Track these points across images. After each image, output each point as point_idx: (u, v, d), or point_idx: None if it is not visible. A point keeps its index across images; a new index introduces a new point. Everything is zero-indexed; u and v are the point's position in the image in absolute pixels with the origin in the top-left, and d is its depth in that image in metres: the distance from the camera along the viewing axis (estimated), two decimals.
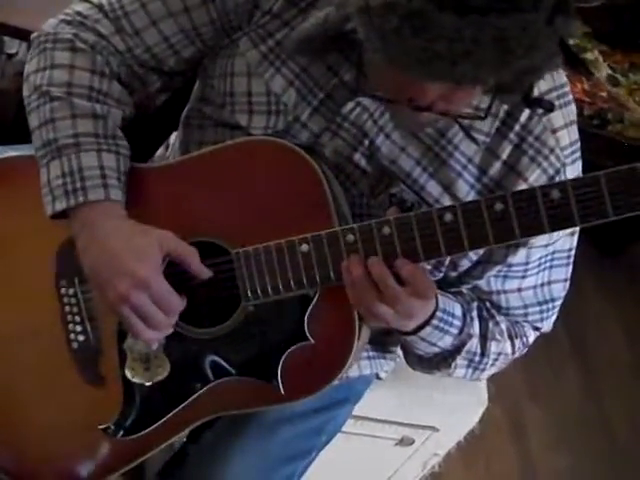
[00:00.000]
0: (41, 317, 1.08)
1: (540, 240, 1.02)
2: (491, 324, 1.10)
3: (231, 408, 1.07)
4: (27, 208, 1.07)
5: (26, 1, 1.65)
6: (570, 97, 1.03)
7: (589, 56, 2.61)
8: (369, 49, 0.85)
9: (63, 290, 1.07)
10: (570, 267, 1.12)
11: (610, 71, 2.71)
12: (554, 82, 1.00)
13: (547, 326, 1.16)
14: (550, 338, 1.18)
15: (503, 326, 1.11)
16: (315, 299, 0.99)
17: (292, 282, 0.97)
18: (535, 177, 1.00)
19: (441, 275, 1.08)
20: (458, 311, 1.06)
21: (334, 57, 1.01)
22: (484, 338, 1.09)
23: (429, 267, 1.04)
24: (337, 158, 1.03)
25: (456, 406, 1.54)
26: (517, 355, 1.15)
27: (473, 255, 1.04)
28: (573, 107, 1.03)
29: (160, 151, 1.38)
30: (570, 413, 2.31)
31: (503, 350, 1.11)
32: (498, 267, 1.07)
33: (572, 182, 0.88)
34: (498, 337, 1.10)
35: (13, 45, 1.95)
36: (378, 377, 1.32)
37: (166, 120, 1.28)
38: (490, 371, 1.14)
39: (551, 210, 0.88)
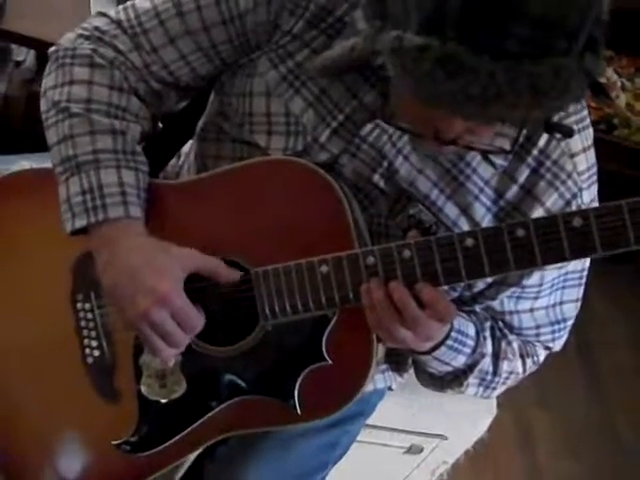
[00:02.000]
0: (56, 332, 1.08)
1: None
2: (503, 343, 1.10)
3: (246, 427, 1.07)
4: (42, 222, 1.07)
5: (34, 9, 1.65)
6: (588, 121, 1.02)
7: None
8: (399, 86, 0.85)
9: (79, 305, 1.07)
10: (582, 287, 1.11)
11: (616, 76, 2.71)
12: (574, 107, 0.99)
13: (558, 345, 1.15)
14: None
15: (515, 345, 1.11)
16: (334, 320, 0.99)
17: (311, 303, 0.97)
18: (552, 201, 1.00)
19: (456, 295, 1.08)
20: (472, 331, 1.05)
21: (353, 79, 1.00)
22: (496, 357, 1.09)
23: (445, 287, 1.03)
24: (356, 178, 1.03)
25: (465, 414, 1.54)
26: (527, 374, 1.15)
27: (489, 277, 1.03)
28: (591, 131, 1.03)
29: (173, 161, 1.37)
30: (577, 420, 2.31)
31: (514, 369, 1.11)
32: (512, 289, 1.06)
33: (594, 210, 0.88)
34: (510, 356, 1.10)
35: (20, 53, 1.95)
36: (390, 388, 1.32)
37: (179, 130, 1.28)
38: (501, 389, 1.14)
39: (573, 238, 0.88)
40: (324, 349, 0.99)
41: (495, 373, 1.10)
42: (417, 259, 0.93)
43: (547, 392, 2.30)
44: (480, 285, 1.06)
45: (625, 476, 2.21)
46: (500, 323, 1.11)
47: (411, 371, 1.31)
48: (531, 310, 1.09)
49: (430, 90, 0.79)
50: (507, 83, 0.75)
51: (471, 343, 1.05)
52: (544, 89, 0.77)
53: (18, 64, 1.95)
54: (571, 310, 1.12)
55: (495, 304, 1.09)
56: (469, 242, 0.91)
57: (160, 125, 1.20)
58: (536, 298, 1.08)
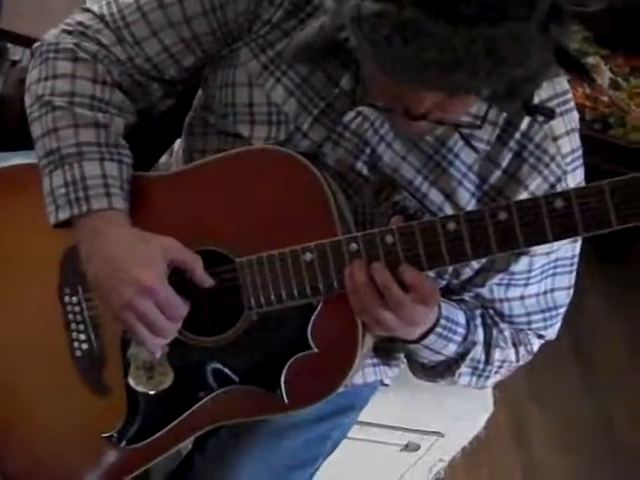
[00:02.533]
0: (44, 325, 1.08)
1: (542, 248, 1.02)
2: (495, 332, 1.10)
3: (235, 417, 1.08)
4: (30, 216, 1.07)
5: (30, 9, 1.65)
6: (572, 104, 1.02)
7: (590, 60, 2.61)
8: (362, 58, 0.85)
9: (66, 298, 1.07)
10: (574, 274, 1.12)
11: (611, 75, 2.71)
12: (555, 90, 1.00)
13: (551, 334, 1.15)
14: (551, 341, 1.18)
15: (507, 333, 1.11)
16: (318, 308, 0.99)
17: (295, 291, 0.98)
18: (536, 185, 1.00)
19: (444, 283, 1.08)
20: (462, 319, 1.06)
21: (334, 67, 1.01)
22: (488, 345, 1.09)
23: (432, 275, 1.04)
24: (339, 167, 1.03)
25: (462, 412, 1.54)
26: (521, 363, 1.14)
27: (475, 263, 1.04)
28: (575, 114, 1.03)
29: (164, 158, 1.38)
30: (573, 416, 2.31)
31: (507, 357, 1.11)
32: (500, 275, 1.06)
33: (576, 191, 0.88)
34: (502, 344, 1.10)
35: (16, 52, 1.95)
36: (383, 383, 1.32)
37: (169, 127, 1.28)
38: (494, 379, 1.14)
39: (555, 219, 0.88)
40: (309, 337, 1.00)
41: (487, 362, 1.10)
42: (400, 244, 0.93)
43: (542, 389, 2.30)
44: (468, 272, 1.06)
45: (621, 471, 2.21)
46: (491, 311, 1.11)
47: (406, 368, 1.32)
48: (521, 297, 1.09)
49: (389, 58, 0.79)
50: (463, 48, 0.76)
51: (462, 331, 1.05)
52: (501, 54, 0.77)
53: (14, 63, 1.95)
54: (563, 297, 1.12)
55: (484, 292, 1.09)
56: (451, 226, 0.91)
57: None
58: (526, 285, 1.08)
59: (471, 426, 1.57)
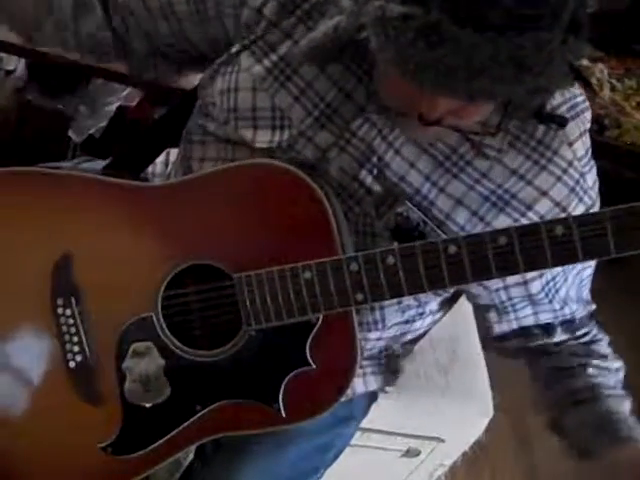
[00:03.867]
0: (36, 337, 1.07)
1: None
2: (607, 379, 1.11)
3: (231, 430, 1.07)
4: (20, 225, 1.06)
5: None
6: (582, 106, 1.02)
7: (596, 74, 2.63)
8: (382, 60, 0.84)
9: (59, 310, 1.06)
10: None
11: (606, 77, 2.72)
12: (563, 96, 1.00)
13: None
14: None
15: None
16: (317, 325, 0.99)
17: (295, 309, 0.97)
18: (557, 191, 1.00)
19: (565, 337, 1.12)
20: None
21: (340, 72, 1.00)
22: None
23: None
24: (342, 176, 1.02)
25: (462, 417, 1.54)
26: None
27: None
28: (586, 115, 1.03)
29: (160, 168, 1.37)
30: None
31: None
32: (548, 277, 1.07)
33: (576, 219, 0.88)
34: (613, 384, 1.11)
35: (11, 62, 1.95)
36: (383, 390, 1.32)
37: (162, 136, 1.28)
38: None
39: (555, 246, 0.89)
40: (308, 354, 1.00)
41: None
42: (400, 265, 0.93)
43: None
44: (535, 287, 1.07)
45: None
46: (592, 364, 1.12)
47: (406, 374, 1.32)
48: (567, 292, 1.10)
49: (412, 61, 0.78)
50: (489, 55, 0.75)
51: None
52: (527, 63, 0.77)
53: (8, 73, 1.95)
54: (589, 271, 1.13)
55: (549, 307, 1.10)
56: (452, 249, 0.91)
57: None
58: (566, 280, 1.09)
59: (471, 431, 1.57)
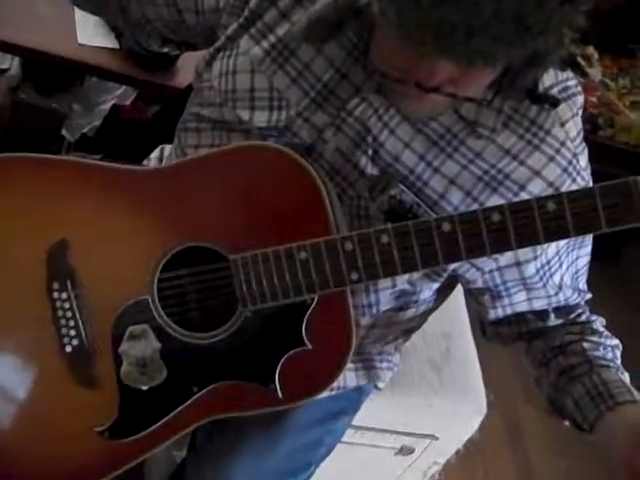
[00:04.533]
0: (32, 322, 1.07)
1: None
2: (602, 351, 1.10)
3: (228, 411, 1.07)
4: (15, 210, 1.06)
5: (18, 16, 1.65)
6: (574, 89, 1.04)
7: (579, 60, 2.63)
8: (383, 23, 0.84)
9: (55, 294, 1.06)
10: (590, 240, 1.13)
11: (600, 75, 2.73)
12: (557, 77, 1.01)
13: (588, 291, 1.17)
14: None
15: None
16: (313, 305, 1.00)
17: (290, 289, 0.98)
18: (549, 171, 1.01)
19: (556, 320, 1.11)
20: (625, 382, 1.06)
21: (336, 53, 1.01)
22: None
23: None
24: (337, 158, 1.03)
25: (455, 414, 1.54)
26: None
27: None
28: (579, 98, 1.04)
29: (154, 164, 1.38)
30: None
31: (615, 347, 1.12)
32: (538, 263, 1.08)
33: (568, 195, 0.90)
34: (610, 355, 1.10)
35: (5, 60, 1.95)
36: (376, 387, 1.32)
37: (156, 132, 1.29)
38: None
39: (547, 221, 0.90)
40: (304, 334, 1.00)
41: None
42: (395, 244, 0.94)
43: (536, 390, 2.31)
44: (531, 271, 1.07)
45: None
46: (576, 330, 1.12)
47: (399, 371, 1.32)
48: (561, 278, 1.11)
49: (414, 21, 0.79)
50: (492, 12, 0.77)
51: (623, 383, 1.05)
52: (527, 21, 0.78)
53: (2, 72, 1.95)
54: (584, 261, 1.14)
55: (542, 292, 1.10)
56: (446, 227, 0.92)
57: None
58: (561, 265, 1.09)
59: (465, 428, 1.57)
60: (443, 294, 1.20)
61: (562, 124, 1.02)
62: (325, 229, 0.97)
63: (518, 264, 1.07)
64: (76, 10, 1.69)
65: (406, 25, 0.80)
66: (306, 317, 1.00)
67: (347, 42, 1.01)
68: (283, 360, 1.01)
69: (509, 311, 1.12)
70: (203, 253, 1.02)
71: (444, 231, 0.92)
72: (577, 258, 1.12)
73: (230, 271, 1.00)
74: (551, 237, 0.91)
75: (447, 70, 0.86)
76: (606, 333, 1.13)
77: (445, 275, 1.10)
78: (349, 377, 1.23)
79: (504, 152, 1.01)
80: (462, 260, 0.95)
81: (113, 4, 1.18)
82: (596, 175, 1.06)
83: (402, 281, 1.09)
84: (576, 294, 1.13)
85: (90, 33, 1.69)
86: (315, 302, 0.99)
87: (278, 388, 1.02)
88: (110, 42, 1.71)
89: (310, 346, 1.01)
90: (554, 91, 1.01)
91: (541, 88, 0.98)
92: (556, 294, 1.11)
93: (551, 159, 1.01)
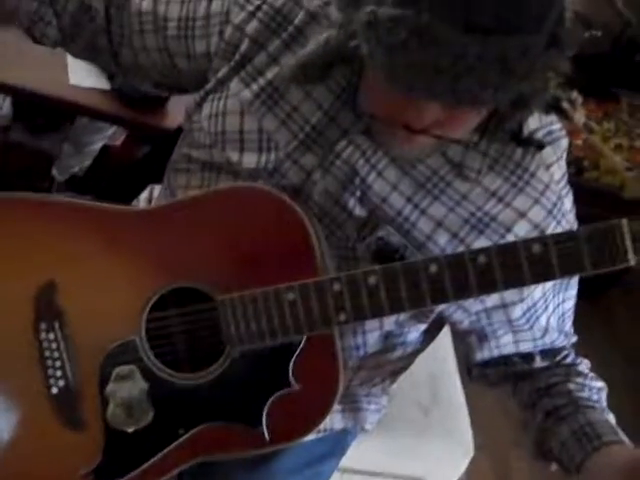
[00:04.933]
0: (18, 362, 1.06)
1: None
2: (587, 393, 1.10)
3: (214, 453, 1.06)
4: (2, 251, 1.06)
5: (9, 56, 1.66)
6: (559, 134, 1.05)
7: (565, 105, 2.67)
8: (371, 67, 0.86)
9: (42, 335, 1.05)
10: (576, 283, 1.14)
11: (584, 119, 2.77)
12: (540, 121, 1.03)
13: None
14: None
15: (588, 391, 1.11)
16: (301, 346, 1.00)
17: (278, 330, 0.98)
18: (535, 213, 1.02)
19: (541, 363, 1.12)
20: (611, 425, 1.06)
21: (325, 96, 1.03)
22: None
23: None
24: (325, 199, 1.04)
25: (443, 456, 1.54)
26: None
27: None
28: (563, 142, 1.06)
29: (143, 204, 1.39)
30: None
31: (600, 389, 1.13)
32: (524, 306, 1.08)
33: (553, 237, 0.91)
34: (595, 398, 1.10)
35: None
36: (363, 429, 1.32)
37: (145, 173, 1.29)
38: None
39: (532, 264, 0.91)
40: (291, 375, 1.00)
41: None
42: (383, 285, 0.94)
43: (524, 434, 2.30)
44: (517, 312, 1.08)
45: None
46: (562, 371, 1.12)
47: (386, 412, 1.32)
48: (548, 320, 1.11)
49: (402, 63, 0.81)
50: (477, 55, 0.78)
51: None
52: (511, 66, 0.80)
53: None
54: (570, 304, 1.15)
55: (529, 334, 1.10)
56: (433, 268, 0.93)
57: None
58: (546, 307, 1.10)
59: (452, 471, 1.57)
60: (430, 335, 1.20)
61: (547, 167, 1.03)
62: (313, 270, 0.98)
63: (504, 306, 1.07)
64: (69, 58, 1.71)
65: (394, 68, 0.82)
66: (294, 358, 1.00)
67: (335, 85, 1.02)
68: (270, 401, 1.01)
69: (495, 353, 1.12)
70: (192, 293, 1.02)
71: (431, 272, 0.93)
72: (563, 301, 1.13)
73: (218, 312, 1.00)
74: (537, 279, 0.93)
75: (435, 112, 0.87)
76: (591, 375, 1.13)
77: (432, 316, 1.10)
78: (336, 419, 1.22)
79: (490, 194, 1.02)
80: (449, 301, 0.95)
81: (105, 51, 1.19)
82: (581, 217, 1.08)
83: (390, 323, 1.09)
84: (562, 337, 1.14)
85: (82, 74, 1.71)
86: (303, 343, 0.99)
87: (265, 429, 1.01)
88: (101, 83, 1.73)
89: (298, 387, 1.00)
90: (539, 135, 1.02)
91: (526, 131, 1.00)
92: (542, 337, 1.11)
93: (536, 201, 1.02)
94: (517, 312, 1.08)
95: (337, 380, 1.00)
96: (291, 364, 1.00)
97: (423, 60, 0.80)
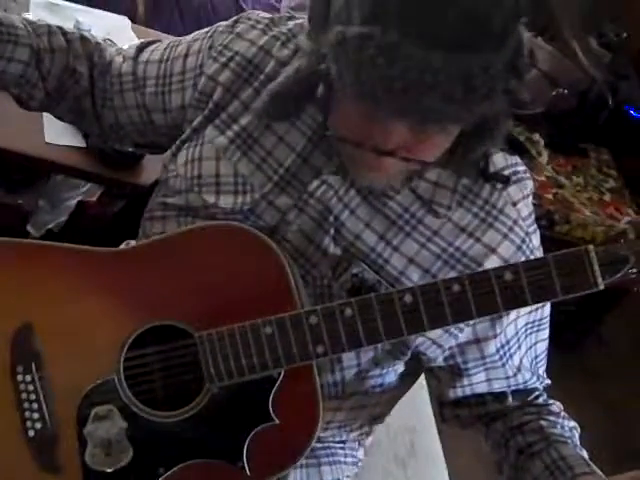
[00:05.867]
0: None
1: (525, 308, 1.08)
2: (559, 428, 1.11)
3: None
4: None
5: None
6: (524, 175, 1.09)
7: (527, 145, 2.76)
8: (340, 87, 0.88)
9: (19, 377, 1.05)
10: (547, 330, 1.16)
11: (554, 174, 2.83)
12: (506, 161, 1.07)
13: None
14: None
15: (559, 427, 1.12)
16: (279, 380, 1.00)
17: (256, 364, 0.99)
18: (504, 248, 1.05)
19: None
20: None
21: (297, 139, 1.06)
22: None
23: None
24: (300, 239, 1.06)
25: None
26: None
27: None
28: (528, 183, 1.09)
29: None
30: None
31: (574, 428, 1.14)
32: (498, 343, 1.10)
33: (523, 264, 0.95)
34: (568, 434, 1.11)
35: None
36: None
37: (121, 228, 1.30)
38: None
39: (504, 290, 0.94)
40: (271, 409, 1.00)
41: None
42: (358, 317, 0.96)
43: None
44: (491, 350, 1.10)
45: None
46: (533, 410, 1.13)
47: (363, 464, 1.31)
48: (521, 360, 1.13)
49: (370, 81, 0.83)
50: (440, 70, 0.81)
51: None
52: (473, 83, 0.82)
53: None
54: (543, 346, 1.17)
55: (502, 372, 1.12)
56: (408, 298, 0.95)
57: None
58: (519, 347, 1.12)
59: None
60: (408, 380, 1.21)
61: (514, 204, 1.07)
62: (291, 306, 0.99)
63: (477, 341, 1.09)
64: (45, 120, 1.73)
65: (362, 85, 0.85)
66: (273, 392, 1.01)
67: (306, 128, 1.06)
68: (251, 436, 1.01)
69: (468, 392, 1.13)
70: (170, 331, 1.02)
71: (406, 302, 0.95)
72: (535, 343, 1.15)
73: (197, 348, 1.00)
74: (509, 305, 0.95)
75: (402, 132, 0.89)
76: (563, 414, 1.14)
77: (409, 353, 1.11)
78: (312, 473, 1.22)
79: (460, 230, 1.05)
80: (425, 330, 0.97)
81: (89, 113, 1.23)
82: None
83: (367, 360, 1.10)
84: (535, 378, 1.15)
85: (57, 132, 1.72)
86: (282, 376, 1.00)
87: (246, 465, 1.01)
88: (77, 141, 1.74)
89: (278, 421, 1.01)
90: (505, 172, 1.06)
91: (492, 169, 1.04)
92: (515, 375, 1.13)
93: (505, 236, 1.05)
94: (491, 348, 1.10)
95: (317, 411, 1.01)
96: (271, 398, 1.01)
97: (390, 76, 0.82)
